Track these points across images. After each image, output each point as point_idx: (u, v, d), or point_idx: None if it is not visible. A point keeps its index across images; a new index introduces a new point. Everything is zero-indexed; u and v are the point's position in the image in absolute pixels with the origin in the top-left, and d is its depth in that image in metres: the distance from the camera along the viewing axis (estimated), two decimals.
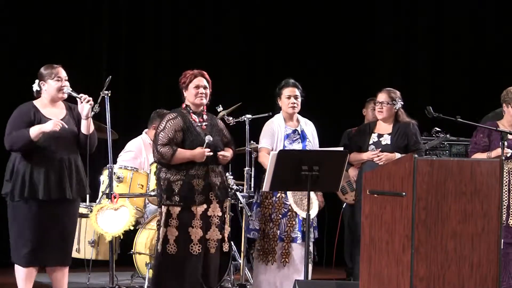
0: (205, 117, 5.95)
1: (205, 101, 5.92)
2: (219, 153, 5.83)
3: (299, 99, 6.44)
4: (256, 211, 6.39)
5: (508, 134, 6.12)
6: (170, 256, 5.74)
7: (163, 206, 5.81)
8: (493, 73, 9.25)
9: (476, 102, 9.02)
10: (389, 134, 6.52)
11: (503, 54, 9.32)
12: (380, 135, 6.53)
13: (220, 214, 5.86)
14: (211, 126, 5.92)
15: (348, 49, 9.29)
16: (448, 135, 7.61)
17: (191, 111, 5.91)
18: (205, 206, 5.78)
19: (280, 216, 6.29)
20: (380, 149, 6.44)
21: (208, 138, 5.78)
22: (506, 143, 6.11)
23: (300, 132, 6.44)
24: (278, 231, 6.27)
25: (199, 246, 5.75)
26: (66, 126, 5.53)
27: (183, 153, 5.74)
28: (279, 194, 6.29)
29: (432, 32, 9.59)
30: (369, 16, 9.48)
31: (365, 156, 6.45)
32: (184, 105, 5.92)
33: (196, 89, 5.87)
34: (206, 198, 5.78)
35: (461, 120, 6.11)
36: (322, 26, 9.29)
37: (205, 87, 5.90)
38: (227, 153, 5.90)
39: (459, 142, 7.64)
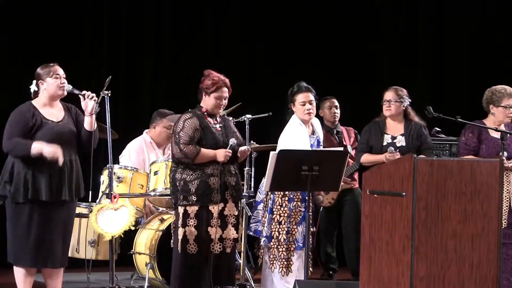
0: (218, 119, 6.00)
1: (222, 110, 6.00)
2: (241, 148, 5.88)
3: (314, 104, 6.31)
4: (268, 218, 6.32)
5: (497, 132, 6.13)
6: (191, 256, 5.77)
7: (179, 207, 5.83)
8: (493, 73, 9.24)
9: (476, 102, 9.00)
10: (402, 134, 6.51)
11: (503, 54, 9.32)
12: (393, 137, 6.51)
13: (236, 213, 5.91)
14: (224, 128, 5.97)
15: (348, 49, 9.28)
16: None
17: (206, 113, 5.93)
18: (222, 205, 5.81)
19: (296, 225, 6.25)
20: (398, 150, 6.42)
21: (233, 141, 5.86)
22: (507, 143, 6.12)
23: (319, 141, 6.41)
24: (296, 240, 6.23)
25: (220, 245, 5.79)
26: (61, 160, 5.48)
27: (207, 153, 5.79)
28: (295, 202, 6.24)
29: (432, 32, 9.59)
30: (369, 16, 9.47)
31: (384, 157, 6.38)
32: (204, 109, 5.93)
33: (217, 100, 5.90)
34: (222, 197, 5.81)
35: (461, 120, 6.11)
36: (322, 26, 9.28)
37: (225, 98, 5.94)
38: (245, 148, 5.96)
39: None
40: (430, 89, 9.51)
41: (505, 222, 6.00)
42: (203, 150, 5.79)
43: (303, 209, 6.23)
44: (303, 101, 6.26)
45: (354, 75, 9.27)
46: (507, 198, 6.14)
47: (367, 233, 4.90)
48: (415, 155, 4.74)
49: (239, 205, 6.04)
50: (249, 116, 6.88)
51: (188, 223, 5.78)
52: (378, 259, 4.83)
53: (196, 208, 5.78)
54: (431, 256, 4.67)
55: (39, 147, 5.44)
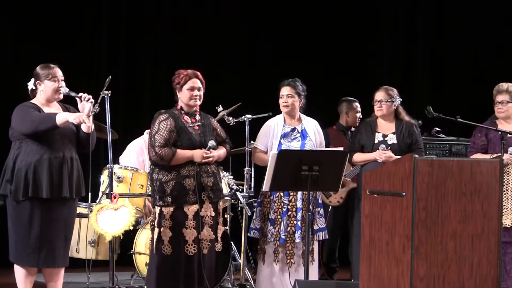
0: (197, 117, 5.94)
1: (199, 102, 5.92)
2: (203, 157, 5.80)
3: (294, 98, 6.47)
4: (257, 211, 6.43)
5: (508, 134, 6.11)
6: (166, 257, 5.74)
7: (156, 207, 5.82)
8: (493, 73, 9.24)
9: (476, 102, 9.02)
10: (393, 133, 6.52)
11: (503, 54, 9.32)
12: (384, 135, 6.52)
13: (213, 214, 5.85)
14: (203, 126, 5.92)
15: (348, 49, 9.28)
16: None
17: (183, 112, 5.90)
18: (197, 206, 5.77)
19: (280, 216, 6.31)
20: (389, 148, 6.43)
21: (211, 142, 5.81)
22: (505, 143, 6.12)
23: (300, 131, 6.45)
24: (281, 232, 6.28)
25: (194, 247, 5.76)
26: (87, 122, 5.50)
27: (183, 154, 5.75)
28: (277, 193, 6.31)
29: (432, 32, 9.59)
30: (369, 16, 9.48)
31: (375, 155, 6.43)
32: (179, 107, 5.92)
33: (191, 92, 5.87)
34: (198, 198, 5.77)
35: (461, 120, 6.12)
36: (323, 26, 9.28)
37: (199, 89, 5.89)
38: (213, 153, 5.84)
39: (459, 142, 7.64)
40: (430, 89, 9.51)
41: None
42: (179, 151, 5.75)
43: (286, 202, 6.31)
44: (282, 94, 6.53)
45: (354, 75, 9.27)
46: None
47: (367, 233, 4.90)
48: (416, 155, 4.74)
49: (221, 205, 5.99)
50: (249, 116, 6.88)
51: (164, 224, 5.75)
52: (378, 259, 4.83)
53: (171, 209, 5.75)
54: (431, 256, 4.67)
55: (63, 116, 5.43)
